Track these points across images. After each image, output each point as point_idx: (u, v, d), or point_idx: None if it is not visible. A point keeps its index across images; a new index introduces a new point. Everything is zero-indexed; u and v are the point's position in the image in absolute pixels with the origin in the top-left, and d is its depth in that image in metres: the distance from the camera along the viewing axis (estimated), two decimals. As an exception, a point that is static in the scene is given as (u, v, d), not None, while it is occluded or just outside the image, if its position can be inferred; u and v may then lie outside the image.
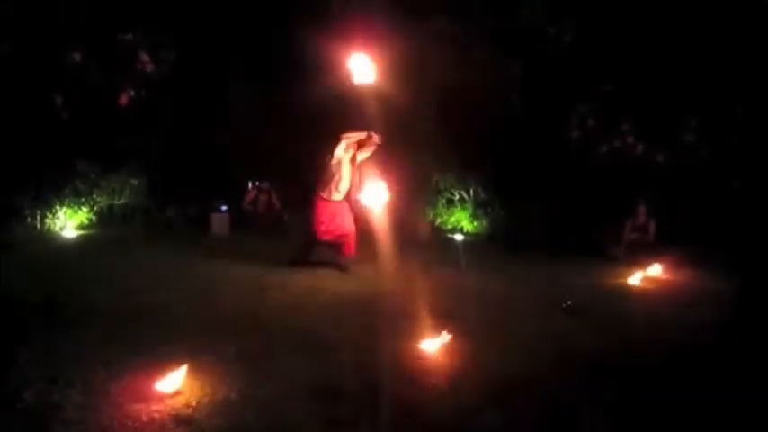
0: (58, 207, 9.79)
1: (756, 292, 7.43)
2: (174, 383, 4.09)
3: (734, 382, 4.76)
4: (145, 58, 11.32)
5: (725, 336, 6.01)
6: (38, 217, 9.52)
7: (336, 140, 7.60)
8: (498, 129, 11.48)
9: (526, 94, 11.82)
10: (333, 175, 7.67)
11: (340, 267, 7.93)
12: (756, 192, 10.10)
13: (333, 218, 7.78)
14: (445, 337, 5.16)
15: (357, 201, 7.72)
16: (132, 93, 11.31)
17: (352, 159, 7.69)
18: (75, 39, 10.55)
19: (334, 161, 7.62)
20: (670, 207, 10.02)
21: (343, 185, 7.73)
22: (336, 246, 7.96)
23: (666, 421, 4.08)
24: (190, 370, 4.25)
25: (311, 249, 8.05)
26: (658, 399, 4.41)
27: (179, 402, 3.94)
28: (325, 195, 7.75)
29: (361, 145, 7.68)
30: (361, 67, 6.69)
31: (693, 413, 4.21)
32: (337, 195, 7.77)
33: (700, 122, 11.02)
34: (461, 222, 11.74)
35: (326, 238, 7.88)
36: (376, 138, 7.59)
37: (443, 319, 5.74)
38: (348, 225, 7.86)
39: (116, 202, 10.78)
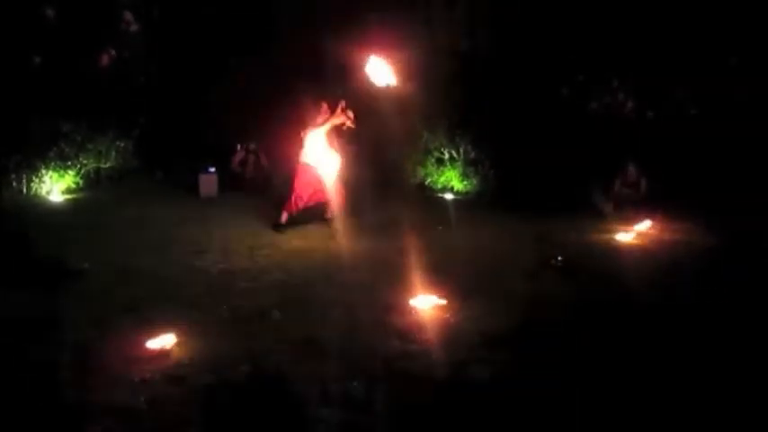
0: (43, 171, 9.66)
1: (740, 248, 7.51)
2: (165, 343, 4.10)
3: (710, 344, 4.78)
4: (128, 17, 11.05)
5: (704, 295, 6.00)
6: (23, 181, 9.41)
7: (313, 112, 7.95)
8: (485, 86, 11.39)
9: (512, 49, 11.67)
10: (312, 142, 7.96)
11: (328, 221, 8.22)
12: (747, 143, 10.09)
13: (317, 181, 8.04)
14: (434, 295, 5.19)
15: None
16: (114, 53, 11.04)
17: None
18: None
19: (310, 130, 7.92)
20: (660, 163, 10.01)
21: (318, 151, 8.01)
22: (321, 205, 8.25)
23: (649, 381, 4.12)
24: (180, 329, 4.26)
25: (294, 213, 8.15)
26: (641, 354, 4.45)
27: (170, 361, 3.96)
28: (306, 161, 8.00)
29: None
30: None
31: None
32: (313, 161, 8.03)
33: (692, 76, 10.90)
34: (451, 182, 11.68)
35: (313, 200, 8.12)
36: (350, 113, 7.91)
37: (432, 277, 5.75)
38: (325, 189, 8.16)
39: (103, 165, 10.63)
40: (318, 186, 8.09)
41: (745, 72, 10.62)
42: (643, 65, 11.13)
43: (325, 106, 8.02)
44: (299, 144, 8.07)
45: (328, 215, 8.26)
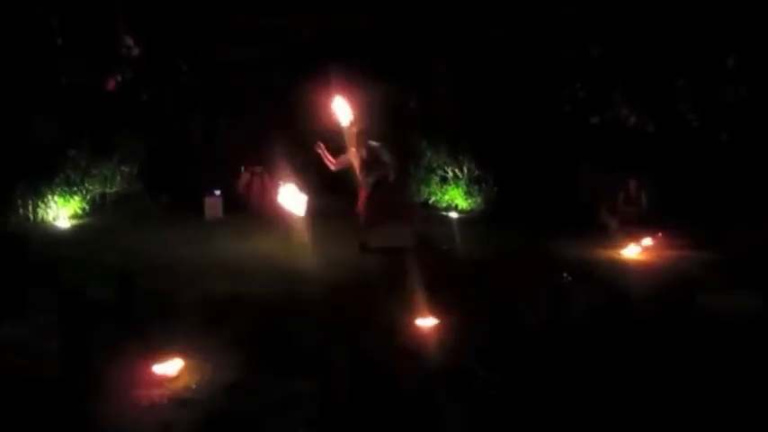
0: (49, 196, 9.71)
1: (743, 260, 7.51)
2: (174, 367, 4.09)
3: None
4: (129, 41, 11.15)
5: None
6: (30, 207, 9.45)
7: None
8: (487, 103, 11.47)
9: (513, 66, 11.77)
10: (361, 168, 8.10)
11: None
12: (746, 153, 10.11)
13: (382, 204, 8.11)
14: (441, 314, 5.18)
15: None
16: (119, 78, 11.15)
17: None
18: (56, 25, 10.43)
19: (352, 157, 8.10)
20: (662, 177, 10.03)
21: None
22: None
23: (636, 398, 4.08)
24: (188, 353, 4.26)
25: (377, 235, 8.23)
26: (646, 371, 4.42)
27: (179, 385, 3.95)
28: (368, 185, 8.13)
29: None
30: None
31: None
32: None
33: (689, 79, 10.91)
34: (455, 200, 11.71)
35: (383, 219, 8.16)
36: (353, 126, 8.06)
37: (438, 295, 5.75)
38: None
39: (108, 190, 10.68)
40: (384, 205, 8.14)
41: (744, 76, 10.65)
42: (644, 78, 11.18)
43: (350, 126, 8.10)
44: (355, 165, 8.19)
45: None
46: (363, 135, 8.08)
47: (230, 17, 11.58)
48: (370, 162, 8.12)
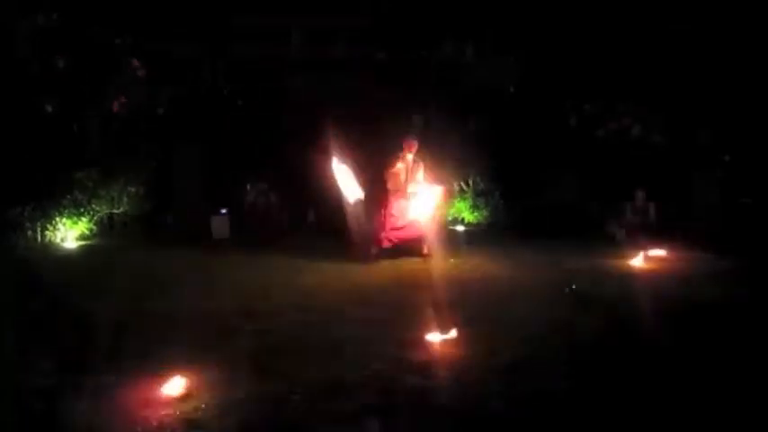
0: (57, 218, 9.76)
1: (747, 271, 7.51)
2: (182, 387, 4.09)
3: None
4: (135, 63, 11.25)
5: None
6: (38, 229, 9.50)
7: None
8: (495, 117, 11.51)
9: (522, 82, 11.84)
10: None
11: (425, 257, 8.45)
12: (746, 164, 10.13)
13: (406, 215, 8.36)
14: (451, 329, 5.15)
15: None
16: (124, 99, 11.23)
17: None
18: (63, 46, 10.55)
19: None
20: (669, 187, 10.02)
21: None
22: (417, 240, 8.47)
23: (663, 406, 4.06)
24: (196, 372, 4.25)
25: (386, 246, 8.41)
26: (657, 380, 4.39)
27: (187, 405, 3.94)
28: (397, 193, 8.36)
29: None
30: None
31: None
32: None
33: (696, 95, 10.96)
34: (462, 213, 11.69)
35: (407, 235, 8.39)
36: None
37: (447, 310, 5.73)
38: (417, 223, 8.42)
39: (116, 211, 10.73)
40: (410, 220, 8.31)
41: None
42: (647, 89, 11.20)
43: (407, 145, 8.38)
44: (386, 176, 8.40)
45: (425, 251, 8.46)
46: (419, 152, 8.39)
47: (237, 17, 11.69)
48: (410, 180, 8.30)
